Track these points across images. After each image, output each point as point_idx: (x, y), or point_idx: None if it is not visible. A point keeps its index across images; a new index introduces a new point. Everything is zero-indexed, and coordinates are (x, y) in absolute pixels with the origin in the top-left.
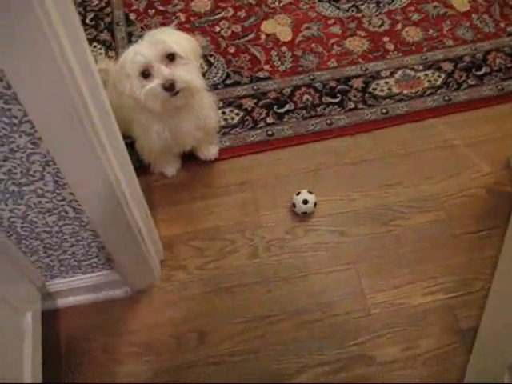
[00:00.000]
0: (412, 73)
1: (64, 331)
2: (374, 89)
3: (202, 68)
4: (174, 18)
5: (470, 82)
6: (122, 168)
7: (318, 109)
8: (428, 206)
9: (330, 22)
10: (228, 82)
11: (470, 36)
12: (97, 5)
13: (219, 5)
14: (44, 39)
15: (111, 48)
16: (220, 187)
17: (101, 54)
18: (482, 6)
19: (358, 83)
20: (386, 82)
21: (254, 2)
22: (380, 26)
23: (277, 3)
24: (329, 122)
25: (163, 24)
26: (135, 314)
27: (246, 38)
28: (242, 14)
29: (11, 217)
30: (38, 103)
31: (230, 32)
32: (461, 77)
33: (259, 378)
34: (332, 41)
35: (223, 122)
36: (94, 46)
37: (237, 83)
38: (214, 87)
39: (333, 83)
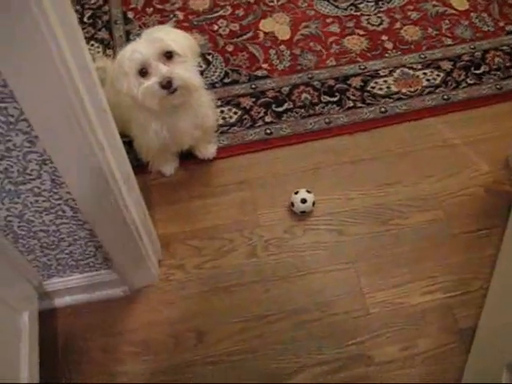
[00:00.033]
0: (411, 71)
1: (61, 331)
2: (373, 87)
3: (200, 66)
4: (172, 16)
5: (468, 80)
6: (120, 167)
7: (317, 107)
8: (427, 205)
9: (328, 20)
10: (226, 80)
11: (469, 35)
12: (95, 3)
13: (217, 3)
14: (42, 39)
15: (109, 46)
16: (218, 186)
17: (98, 52)
18: (480, 4)
19: (356, 82)
20: (385, 81)
21: (252, 1)
22: (379, 24)
23: (275, 2)
24: (327, 120)
25: (161, 22)
26: (133, 313)
27: (245, 37)
28: (240, 12)
29: (8, 216)
30: (35, 102)
31: (228, 30)
32: (460, 76)
33: (258, 377)
34: (330, 39)
35: (221, 121)
36: (92, 45)
37: (235, 82)
38: (212, 86)
39: (331, 82)
